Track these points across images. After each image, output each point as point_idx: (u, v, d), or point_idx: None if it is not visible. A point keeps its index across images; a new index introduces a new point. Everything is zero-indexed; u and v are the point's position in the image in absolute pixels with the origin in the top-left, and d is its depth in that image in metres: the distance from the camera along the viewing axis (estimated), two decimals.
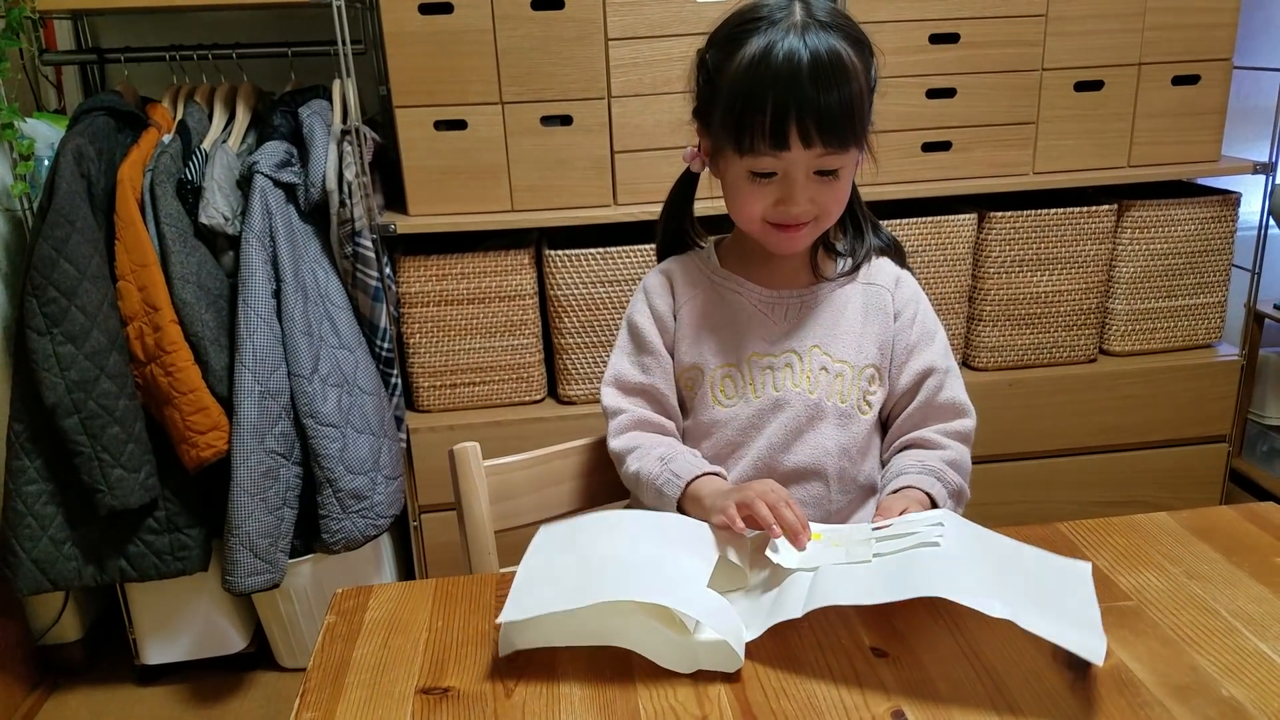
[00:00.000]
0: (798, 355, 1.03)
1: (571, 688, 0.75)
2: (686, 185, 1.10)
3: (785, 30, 0.91)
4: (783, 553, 0.84)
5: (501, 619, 0.77)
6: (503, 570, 0.99)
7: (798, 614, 0.76)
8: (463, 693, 0.75)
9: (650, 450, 1.01)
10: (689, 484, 0.95)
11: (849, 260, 1.07)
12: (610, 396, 1.06)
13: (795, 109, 0.90)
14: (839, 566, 0.80)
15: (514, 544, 1.05)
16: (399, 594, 0.88)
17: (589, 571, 0.80)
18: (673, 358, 1.06)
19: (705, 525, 0.88)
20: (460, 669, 0.77)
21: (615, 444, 1.04)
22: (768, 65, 0.90)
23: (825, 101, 0.89)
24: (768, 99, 0.90)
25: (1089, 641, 0.71)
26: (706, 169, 1.05)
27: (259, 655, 1.97)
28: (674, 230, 1.12)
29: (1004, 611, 0.70)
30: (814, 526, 0.87)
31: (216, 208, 1.66)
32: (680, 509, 0.96)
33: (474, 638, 0.81)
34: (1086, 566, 0.82)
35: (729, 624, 0.76)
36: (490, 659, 0.78)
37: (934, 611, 0.81)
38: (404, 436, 1.87)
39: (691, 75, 1.00)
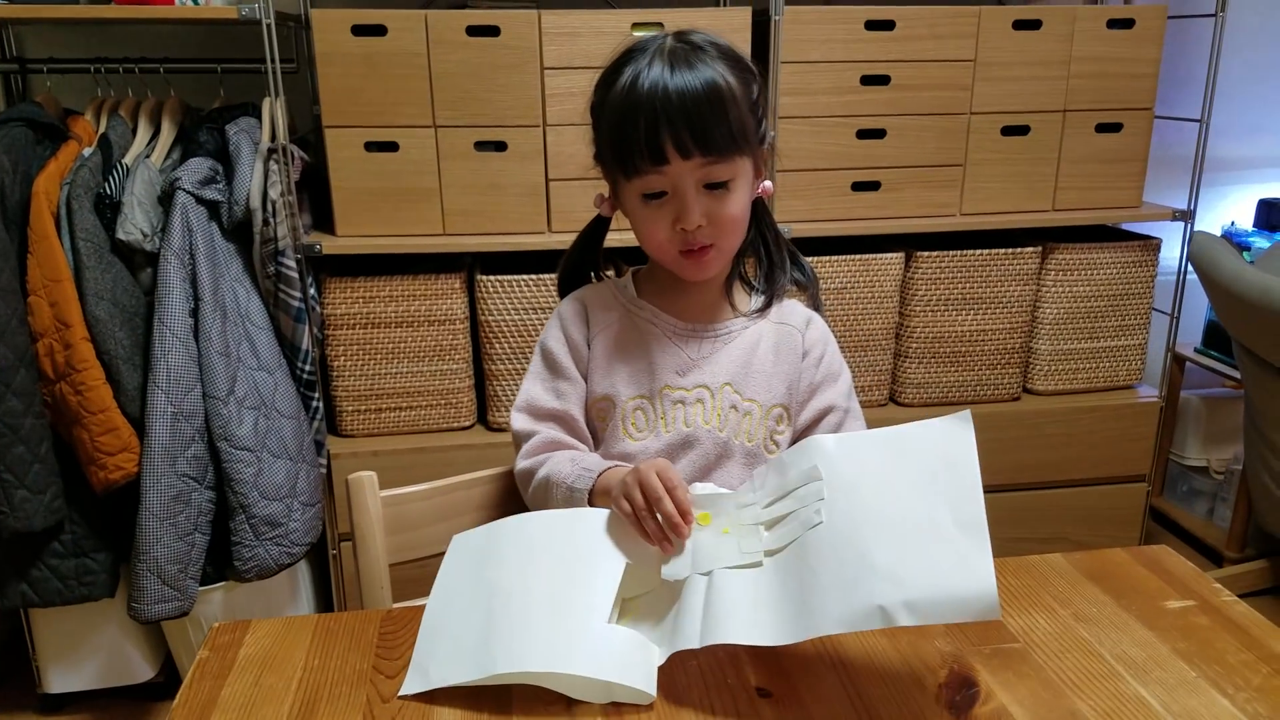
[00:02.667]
0: (709, 391, 1.03)
1: None
2: (596, 229, 1.11)
3: (653, 55, 0.94)
4: (675, 562, 0.82)
5: (403, 692, 0.77)
6: (395, 605, 0.97)
7: (695, 644, 0.76)
8: None
9: (559, 456, 1.00)
10: (600, 475, 0.94)
11: (763, 297, 1.08)
12: (521, 421, 1.05)
13: (666, 121, 0.92)
14: (732, 575, 0.79)
15: (413, 578, 1.03)
16: (278, 629, 0.86)
17: (492, 626, 0.79)
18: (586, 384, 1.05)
19: (610, 523, 0.86)
20: (332, 709, 0.75)
21: (525, 463, 1.02)
22: (636, 87, 0.93)
23: (696, 111, 0.92)
24: (640, 116, 0.93)
25: (981, 594, 0.70)
26: (617, 212, 1.06)
27: (168, 685, 1.91)
28: (576, 270, 1.12)
29: (906, 618, 0.70)
30: (699, 496, 0.84)
31: (135, 223, 1.62)
32: (591, 504, 0.94)
33: (350, 676, 0.79)
34: (966, 418, 0.79)
35: (640, 673, 0.76)
36: (364, 698, 0.76)
37: (820, 648, 0.82)
38: (324, 462, 1.84)
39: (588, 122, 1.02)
